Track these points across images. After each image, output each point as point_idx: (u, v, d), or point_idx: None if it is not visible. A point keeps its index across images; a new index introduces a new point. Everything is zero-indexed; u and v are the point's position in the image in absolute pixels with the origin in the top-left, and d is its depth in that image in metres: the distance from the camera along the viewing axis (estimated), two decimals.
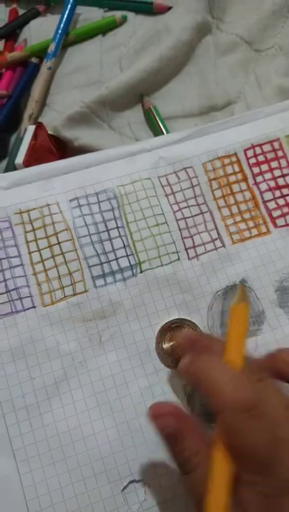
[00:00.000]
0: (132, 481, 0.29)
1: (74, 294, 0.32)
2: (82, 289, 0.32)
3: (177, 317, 0.32)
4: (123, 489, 0.28)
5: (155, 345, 0.31)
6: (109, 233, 0.34)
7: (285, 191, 0.35)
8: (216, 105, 0.41)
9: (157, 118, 0.39)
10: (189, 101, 0.41)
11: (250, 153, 0.36)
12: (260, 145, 0.36)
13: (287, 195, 0.35)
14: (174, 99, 0.41)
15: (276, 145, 0.36)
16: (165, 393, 0.31)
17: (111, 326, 0.32)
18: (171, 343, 0.31)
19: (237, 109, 0.41)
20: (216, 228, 0.34)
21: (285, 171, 0.36)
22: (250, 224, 0.34)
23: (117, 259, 0.33)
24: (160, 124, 0.39)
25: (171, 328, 0.31)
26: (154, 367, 0.31)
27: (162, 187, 0.35)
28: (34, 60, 0.42)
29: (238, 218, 0.34)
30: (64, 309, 0.32)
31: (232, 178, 0.35)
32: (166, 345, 0.31)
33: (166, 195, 0.35)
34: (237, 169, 0.36)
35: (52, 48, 0.41)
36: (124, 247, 0.33)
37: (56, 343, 0.31)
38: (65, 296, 0.32)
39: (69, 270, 0.33)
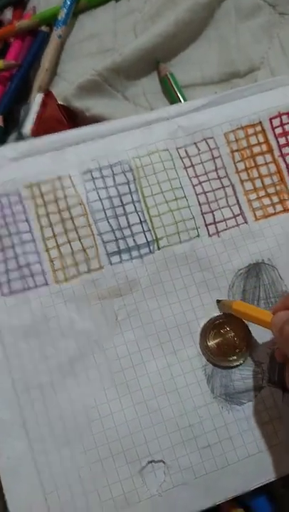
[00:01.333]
0: (151, 461, 0.28)
1: (88, 271, 0.31)
2: (97, 265, 0.31)
3: (219, 313, 0.31)
4: (141, 469, 0.28)
5: (199, 341, 0.30)
6: (124, 208, 0.32)
7: None
8: (237, 72, 0.38)
9: (174, 86, 0.37)
10: (209, 67, 0.38)
11: (276, 122, 0.34)
12: (287, 113, 0.34)
13: None
14: (193, 66, 0.39)
15: None
16: (184, 373, 0.30)
17: (128, 304, 0.30)
18: (216, 341, 0.30)
19: (260, 75, 0.38)
20: (238, 203, 0.32)
21: None
22: (275, 199, 0.32)
23: (133, 235, 0.32)
24: (178, 93, 0.37)
25: (214, 325, 0.30)
26: (173, 347, 0.30)
27: (181, 159, 0.33)
28: (44, 28, 0.39)
29: (262, 193, 0.32)
30: (78, 286, 0.30)
31: (256, 150, 0.33)
32: (210, 343, 0.30)
33: (185, 168, 0.33)
34: (262, 140, 0.33)
35: (62, 14, 0.38)
36: (141, 222, 0.32)
37: (70, 322, 0.30)
38: (79, 273, 0.31)
39: (83, 246, 0.31)
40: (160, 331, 0.30)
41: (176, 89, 0.37)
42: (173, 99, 0.37)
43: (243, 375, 0.30)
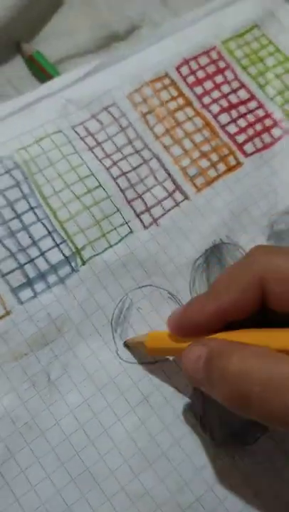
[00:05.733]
0: None
1: None
2: (2, 311, 0.21)
3: None
4: None
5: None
6: (21, 220, 0.23)
7: (242, 109, 0.26)
8: (116, 33, 0.32)
9: (43, 64, 0.29)
10: (81, 35, 0.32)
11: (184, 70, 0.27)
12: (194, 58, 0.27)
13: (246, 113, 0.26)
14: (62, 38, 0.32)
15: (214, 55, 0.27)
16: (167, 425, 0.20)
17: (60, 352, 0.21)
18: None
19: (145, 33, 0.32)
20: (170, 176, 0.25)
21: (234, 85, 0.27)
22: (214, 158, 0.25)
23: (42, 254, 0.22)
24: (48, 70, 0.29)
25: None
26: (140, 391, 0.21)
27: (81, 139, 0.25)
28: None
29: (196, 154, 0.25)
30: None
31: (172, 106, 0.26)
32: None
33: (91, 149, 0.25)
34: (175, 93, 0.26)
35: None
36: (50, 233, 0.23)
37: None
38: None
39: None
40: (116, 376, 0.21)
41: (45, 68, 0.29)
42: (46, 80, 0.29)
43: None
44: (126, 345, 0.21)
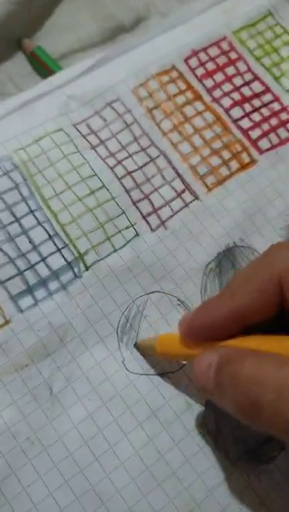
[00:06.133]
0: None
1: None
2: (1, 320, 0.20)
3: None
4: None
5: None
6: (20, 224, 0.21)
7: (256, 103, 0.25)
8: (121, 25, 0.31)
9: (44, 60, 0.28)
10: (84, 28, 0.31)
11: (193, 62, 0.25)
12: (204, 49, 0.25)
13: (260, 107, 0.25)
14: (64, 32, 0.31)
15: (225, 45, 0.26)
16: (177, 442, 0.19)
17: (62, 363, 0.20)
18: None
19: (152, 24, 0.31)
20: (179, 175, 0.23)
21: (247, 77, 0.25)
22: (226, 155, 0.23)
23: (44, 259, 0.21)
24: (50, 66, 0.27)
25: None
26: (149, 405, 0.19)
27: (83, 137, 0.23)
28: None
29: (207, 152, 0.23)
30: None
31: (180, 100, 0.24)
32: None
33: (93, 148, 0.23)
34: (183, 86, 0.25)
35: None
36: (51, 237, 0.21)
37: None
38: None
39: None
40: (122, 389, 0.20)
41: (47, 64, 0.27)
42: (48, 76, 0.28)
43: None
44: (136, 347, 0.20)
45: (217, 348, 0.16)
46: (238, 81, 0.25)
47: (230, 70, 0.25)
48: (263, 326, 0.16)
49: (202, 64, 0.25)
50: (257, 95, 0.25)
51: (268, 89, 0.25)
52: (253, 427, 0.15)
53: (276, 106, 0.25)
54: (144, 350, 0.20)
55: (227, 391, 0.15)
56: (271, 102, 0.25)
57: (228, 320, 0.16)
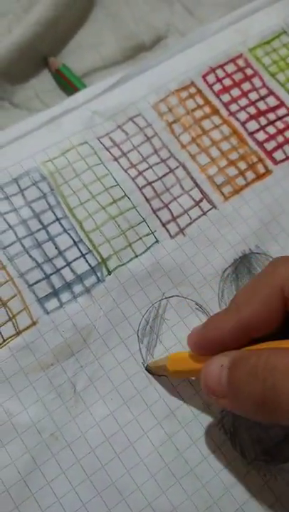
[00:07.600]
0: None
1: (17, 333, 0.21)
2: (28, 321, 0.21)
3: None
4: None
5: None
6: (47, 231, 0.23)
7: (271, 116, 0.26)
8: (142, 44, 0.32)
9: (69, 78, 0.29)
10: (106, 47, 0.32)
11: (211, 78, 0.27)
12: (221, 66, 0.27)
13: (275, 120, 0.26)
14: (87, 51, 0.33)
15: (241, 63, 0.27)
16: (195, 441, 0.20)
17: (86, 363, 0.21)
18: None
19: (171, 43, 0.32)
20: (197, 185, 0.24)
21: (262, 92, 0.26)
22: (242, 166, 0.25)
23: (69, 264, 0.22)
24: (74, 83, 0.29)
25: None
26: (167, 405, 0.20)
27: (107, 150, 0.25)
28: None
29: (224, 163, 0.25)
30: (7, 360, 0.20)
31: (198, 114, 0.26)
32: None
33: (116, 159, 0.25)
34: (201, 102, 0.26)
35: None
36: (76, 244, 0.23)
37: (7, 416, 0.19)
38: (3, 340, 0.21)
39: (0, 300, 0.21)
40: (142, 388, 0.21)
41: (71, 81, 0.29)
42: (72, 93, 0.29)
43: None
44: (148, 370, 0.21)
45: (226, 353, 0.17)
46: (253, 96, 0.26)
47: (246, 86, 0.27)
48: (269, 338, 0.17)
49: (219, 80, 0.27)
50: (272, 109, 0.26)
51: (282, 104, 0.26)
52: (271, 421, 0.15)
53: None
54: (156, 371, 0.21)
55: (244, 388, 0.15)
56: (285, 115, 0.26)
57: (235, 333, 0.17)
